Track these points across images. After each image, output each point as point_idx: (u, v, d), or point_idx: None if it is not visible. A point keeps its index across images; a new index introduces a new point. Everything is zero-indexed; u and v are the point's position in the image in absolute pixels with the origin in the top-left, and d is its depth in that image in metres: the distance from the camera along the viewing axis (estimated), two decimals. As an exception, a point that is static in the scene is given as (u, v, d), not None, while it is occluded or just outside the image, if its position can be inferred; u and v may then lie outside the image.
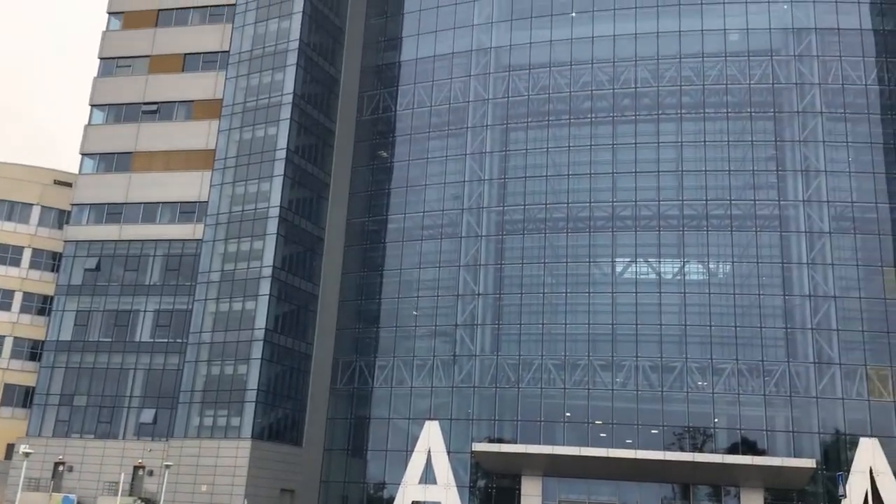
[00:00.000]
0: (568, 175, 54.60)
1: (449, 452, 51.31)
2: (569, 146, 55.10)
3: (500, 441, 51.00)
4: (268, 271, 53.19)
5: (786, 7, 54.03)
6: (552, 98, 56.19)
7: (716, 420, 48.99)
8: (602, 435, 49.60)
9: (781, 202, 51.65)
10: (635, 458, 45.67)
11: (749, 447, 47.97)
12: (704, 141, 52.95)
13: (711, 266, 51.96)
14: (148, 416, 55.17)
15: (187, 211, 58.45)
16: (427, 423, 52.39)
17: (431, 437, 51.88)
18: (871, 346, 48.67)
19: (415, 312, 56.08)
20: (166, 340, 56.24)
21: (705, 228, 51.75)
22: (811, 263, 50.02)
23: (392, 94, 60.99)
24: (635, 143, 53.81)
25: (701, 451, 47.99)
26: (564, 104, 55.89)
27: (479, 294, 54.28)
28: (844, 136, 51.91)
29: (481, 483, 51.64)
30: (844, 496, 44.13)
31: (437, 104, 58.89)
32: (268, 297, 52.68)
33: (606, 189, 53.71)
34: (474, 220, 55.74)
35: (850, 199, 50.95)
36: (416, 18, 61.44)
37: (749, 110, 52.97)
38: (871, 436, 46.42)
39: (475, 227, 55.59)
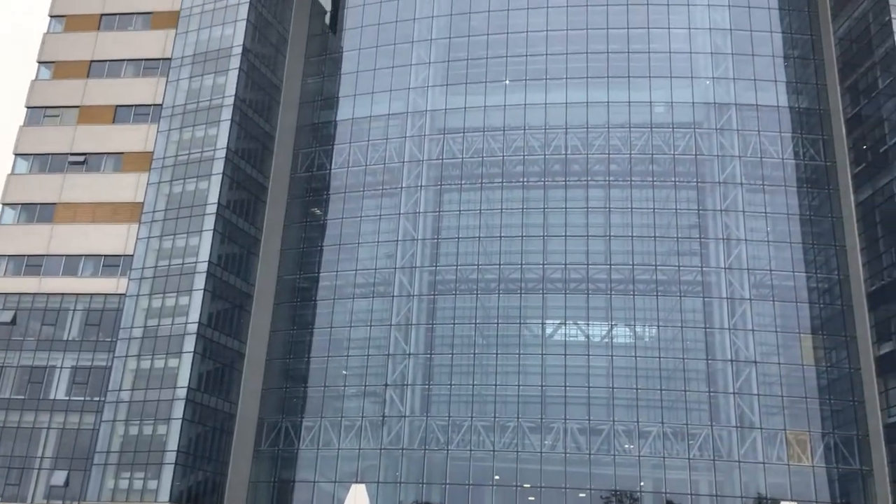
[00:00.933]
0: (500, 237, 55.31)
1: (375, 517, 50.22)
2: (501, 209, 55.98)
3: (427, 505, 50.19)
4: (193, 328, 51.90)
5: (708, 83, 56.66)
6: (485, 161, 57.23)
7: (642, 483, 49.30)
8: (531, 498, 49.30)
9: (704, 269, 53.23)
10: (563, 523, 45.50)
11: (674, 511, 48.36)
12: (631, 208, 54.49)
13: (638, 329, 52.94)
14: (59, 478, 52.50)
15: (111, 264, 56.91)
16: (353, 486, 51.04)
17: (358, 500, 50.48)
18: (790, 411, 50.02)
19: (344, 372, 55.36)
20: (83, 399, 54.00)
21: (632, 293, 52.86)
22: (733, 329, 51.43)
23: (327, 153, 61.22)
24: (565, 208, 55.01)
25: (627, 514, 48.16)
26: (497, 167, 56.97)
27: (409, 354, 53.99)
28: (763, 207, 54.13)
29: (408, 548, 50.59)
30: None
31: (373, 164, 59.28)
32: (192, 354, 51.25)
33: (537, 252, 54.54)
34: (406, 280, 55.75)
35: (769, 267, 52.87)
36: (353, 79, 62.15)
37: (673, 179, 54.87)
38: (791, 500, 47.29)
39: (407, 287, 55.57)
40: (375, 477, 51.50)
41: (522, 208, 55.64)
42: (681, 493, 48.79)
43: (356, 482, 51.44)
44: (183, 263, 53.90)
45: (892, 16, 50.15)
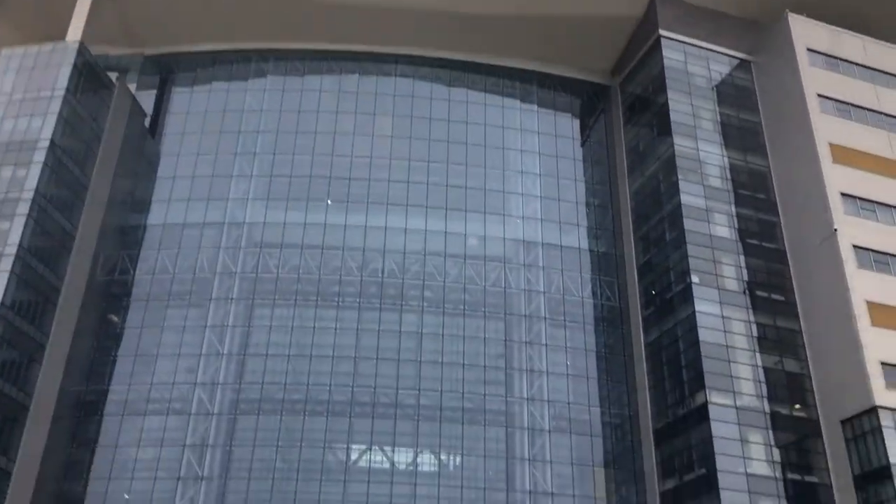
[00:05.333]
0: (310, 356, 54.08)
1: None
2: (314, 327, 55.04)
3: None
4: (-48, 442, 45.74)
5: (518, 221, 60.12)
6: (301, 278, 56.53)
7: None
8: None
9: (508, 399, 54.62)
10: None
11: None
12: (442, 334, 55.48)
13: (443, 457, 52.83)
14: None
15: None
16: None
17: None
18: (584, 541, 51.27)
19: (126, 496, 50.49)
20: None
21: (439, 419, 53.01)
22: (532, 460, 52.60)
23: (132, 258, 57.99)
24: (378, 330, 55.01)
25: None
26: (313, 286, 56.36)
27: (202, 478, 50.34)
28: (564, 342, 57.02)
29: None
30: None
31: (181, 272, 56.71)
32: (-54, 473, 44.93)
33: (347, 373, 53.72)
34: (206, 397, 52.68)
35: (568, 400, 55.19)
36: (170, 185, 60.18)
37: (483, 310, 56.75)
38: None
39: (206, 405, 52.45)
40: None
41: (335, 328, 55.02)
42: None
43: None
44: (-51, 367, 47.98)
45: (679, 177, 56.19)
